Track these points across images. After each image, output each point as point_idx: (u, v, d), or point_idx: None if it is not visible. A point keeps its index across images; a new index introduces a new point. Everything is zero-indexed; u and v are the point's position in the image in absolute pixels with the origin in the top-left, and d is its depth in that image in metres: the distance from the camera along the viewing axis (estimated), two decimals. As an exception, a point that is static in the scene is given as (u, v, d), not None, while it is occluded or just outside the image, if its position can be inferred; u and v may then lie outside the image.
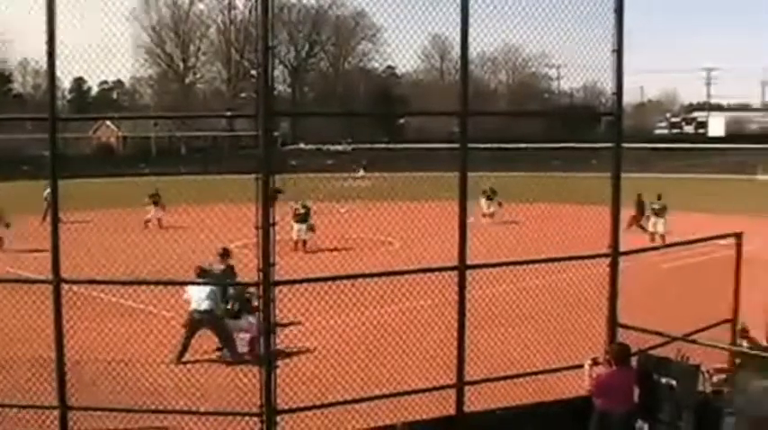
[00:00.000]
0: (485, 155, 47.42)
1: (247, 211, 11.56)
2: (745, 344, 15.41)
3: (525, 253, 15.35)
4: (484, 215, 44.31)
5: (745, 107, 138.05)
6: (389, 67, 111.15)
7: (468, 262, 12.37)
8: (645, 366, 12.89)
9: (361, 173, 75.11)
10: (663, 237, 36.26)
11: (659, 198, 39.08)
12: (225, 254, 20.48)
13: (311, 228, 35.74)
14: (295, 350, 18.03)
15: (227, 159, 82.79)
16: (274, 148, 11.65)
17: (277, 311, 11.55)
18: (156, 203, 45.53)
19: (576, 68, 13.43)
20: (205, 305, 18.16)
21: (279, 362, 11.39)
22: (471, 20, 11.81)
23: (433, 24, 12.41)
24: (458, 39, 11.91)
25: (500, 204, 46.00)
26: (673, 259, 18.32)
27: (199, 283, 18.27)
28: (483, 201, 45.54)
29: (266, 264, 11.14)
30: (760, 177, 78.17)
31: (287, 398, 11.73)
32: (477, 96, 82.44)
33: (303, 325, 19.34)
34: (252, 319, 17.53)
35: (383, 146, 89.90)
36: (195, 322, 18.27)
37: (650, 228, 38.32)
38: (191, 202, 45.19)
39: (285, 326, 18.43)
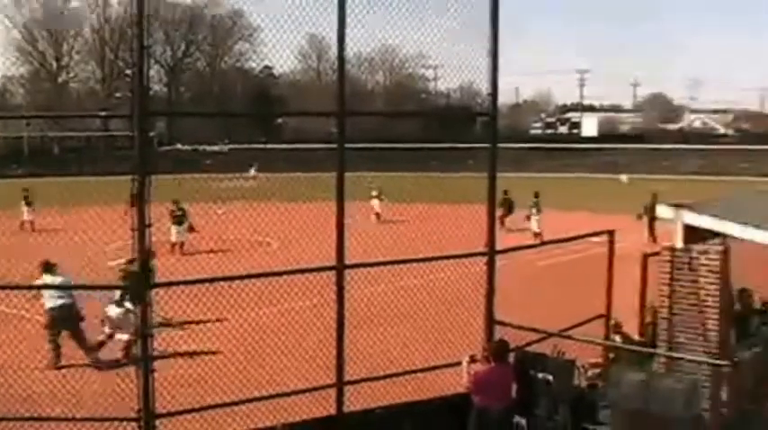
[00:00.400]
0: (363, 155, 47.65)
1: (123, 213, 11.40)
2: (618, 338, 15.79)
3: (407, 252, 15.39)
4: (376, 214, 46.00)
5: (616, 108, 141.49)
6: (267, 67, 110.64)
7: (348, 261, 12.39)
8: (522, 362, 13.09)
9: (253, 172, 74.88)
10: (539, 235, 36.95)
11: (536, 196, 39.82)
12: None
13: (191, 229, 35.20)
14: (173, 353, 17.81)
15: (102, 160, 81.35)
16: (150, 149, 11.47)
17: (154, 314, 11.39)
18: (29, 204, 44.60)
19: (453, 69, 13.56)
20: (60, 301, 17.84)
21: (157, 365, 11.20)
22: (348, 20, 11.83)
23: (310, 24, 12.40)
24: (335, 39, 11.92)
25: (381, 201, 47.20)
26: (548, 257, 18.66)
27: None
28: (375, 201, 47.06)
29: (143, 266, 10.98)
30: (622, 177, 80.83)
31: (165, 401, 11.58)
32: (355, 97, 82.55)
33: (182, 327, 19.17)
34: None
35: (261, 146, 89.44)
36: (54, 320, 17.92)
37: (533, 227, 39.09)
38: (65, 204, 44.30)
39: (164, 327, 18.29)
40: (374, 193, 47.47)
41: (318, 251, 13.66)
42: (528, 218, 39.76)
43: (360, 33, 12.26)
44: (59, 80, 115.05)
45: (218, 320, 18.74)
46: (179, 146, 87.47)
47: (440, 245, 16.39)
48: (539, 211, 39.55)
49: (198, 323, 19.20)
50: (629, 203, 42.70)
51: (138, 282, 11.11)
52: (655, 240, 32.76)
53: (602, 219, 25.76)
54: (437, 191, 45.48)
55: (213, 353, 16.66)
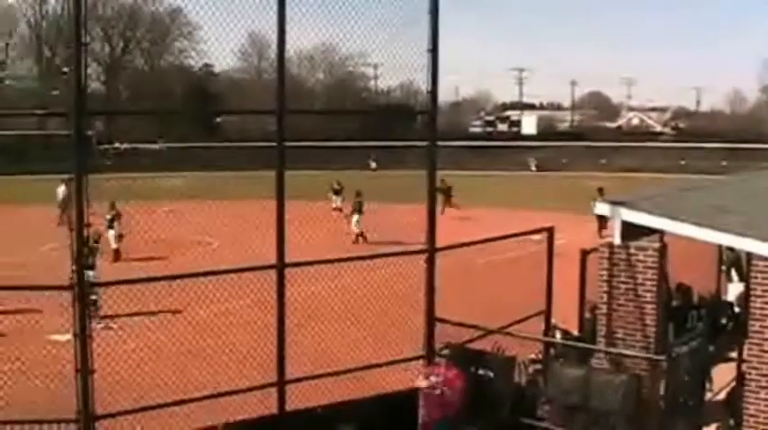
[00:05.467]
0: (302, 153, 47.65)
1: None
2: (558, 334, 15.92)
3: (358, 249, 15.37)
4: (334, 209, 46.80)
5: (555, 106, 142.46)
6: (206, 65, 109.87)
7: (291, 259, 12.39)
8: (462, 359, 13.15)
9: (373, 165, 79.24)
10: (360, 235, 37.81)
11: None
12: None
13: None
14: (112, 354, 17.62)
15: (38, 159, 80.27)
16: (88, 148, 11.35)
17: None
18: None
19: (393, 68, 13.58)
20: None
21: (96, 366, 11.10)
22: (288, 18, 11.81)
23: (250, 22, 12.36)
24: (275, 37, 11.89)
25: (343, 199, 47.58)
26: (489, 254, 18.73)
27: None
28: (333, 196, 48.11)
29: (80, 266, 10.87)
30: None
31: (105, 403, 11.48)
32: (295, 95, 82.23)
33: (120, 328, 19.03)
34: None
35: (200, 145, 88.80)
36: None
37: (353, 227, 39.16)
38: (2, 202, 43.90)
39: (102, 329, 18.13)
40: (335, 187, 48.42)
41: (262, 249, 13.58)
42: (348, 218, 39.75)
43: (300, 31, 12.26)
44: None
45: (152, 314, 18.57)
46: (117, 144, 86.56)
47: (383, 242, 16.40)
48: (360, 212, 39.63)
49: (141, 332, 19.05)
50: (568, 201, 43.11)
51: (78, 283, 10.99)
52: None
53: (542, 216, 25.99)
54: (376, 188, 45.81)
55: (153, 353, 16.51)
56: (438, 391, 12.37)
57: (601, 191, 39.47)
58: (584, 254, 15.70)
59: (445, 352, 12.99)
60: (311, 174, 46.97)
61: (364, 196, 41.66)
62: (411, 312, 14.34)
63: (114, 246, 33.83)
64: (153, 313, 17.50)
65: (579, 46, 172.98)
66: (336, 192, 48.40)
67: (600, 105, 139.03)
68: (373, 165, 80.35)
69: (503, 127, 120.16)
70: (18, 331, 19.41)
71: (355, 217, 38.71)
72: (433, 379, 12.39)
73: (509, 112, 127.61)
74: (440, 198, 40.85)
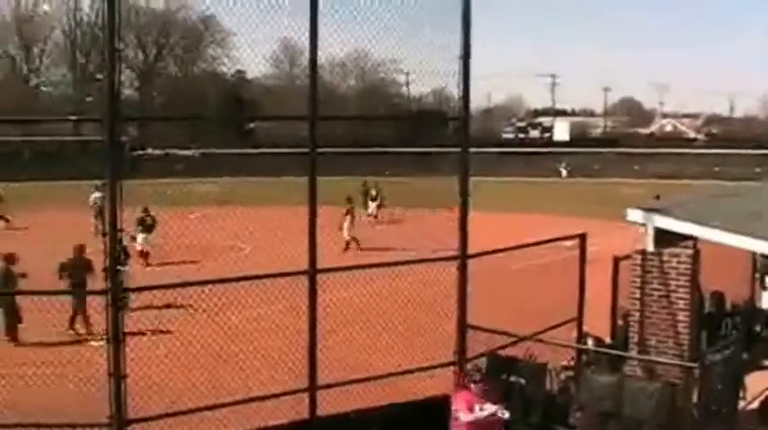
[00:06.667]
0: (336, 159, 47.86)
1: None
2: (590, 341, 15.85)
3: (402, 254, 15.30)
4: (369, 216, 47.47)
5: (588, 113, 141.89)
6: (239, 71, 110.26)
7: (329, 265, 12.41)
8: (494, 366, 13.13)
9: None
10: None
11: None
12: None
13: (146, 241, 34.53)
14: (144, 358, 17.72)
15: (73, 164, 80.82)
16: (121, 154, 11.43)
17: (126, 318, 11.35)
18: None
19: (425, 74, 13.58)
20: None
21: (128, 371, 11.16)
22: (320, 25, 11.84)
23: (282, 29, 12.40)
24: (307, 44, 11.92)
25: (380, 206, 48.83)
26: (520, 260, 18.69)
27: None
28: (369, 203, 48.56)
29: (114, 270, 10.94)
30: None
31: (137, 407, 11.53)
32: (327, 101, 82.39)
33: (153, 332, 19.14)
34: None
35: (232, 151, 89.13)
36: None
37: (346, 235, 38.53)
38: (35, 208, 44.25)
39: (134, 334, 18.20)
40: (372, 193, 48.88)
41: (293, 254, 13.60)
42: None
43: (332, 38, 12.28)
44: (30, 84, 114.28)
45: (183, 319, 18.66)
46: (150, 150, 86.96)
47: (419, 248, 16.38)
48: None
49: (173, 337, 19.14)
50: (600, 208, 42.91)
51: (111, 288, 11.06)
52: None
53: (574, 222, 25.87)
54: (414, 195, 45.92)
55: (186, 358, 16.56)
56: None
57: (657, 198, 39.32)
58: (617, 260, 15.63)
59: (477, 375, 12.76)
60: (344, 179, 47.14)
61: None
62: (440, 318, 14.31)
63: (146, 249, 33.97)
64: (185, 318, 17.55)
65: (611, 51, 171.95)
66: (372, 199, 48.60)
67: (632, 111, 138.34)
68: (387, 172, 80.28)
69: (535, 133, 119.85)
70: (52, 335, 19.55)
71: (346, 223, 38.30)
72: (478, 412, 12.24)
73: (541, 119, 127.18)
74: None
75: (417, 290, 15.87)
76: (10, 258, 21.23)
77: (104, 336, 11.30)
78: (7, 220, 43.79)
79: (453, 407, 12.12)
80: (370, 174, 67.59)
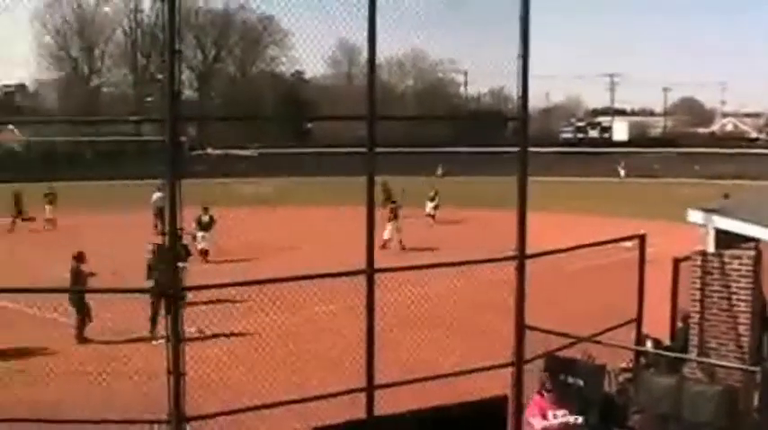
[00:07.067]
0: (394, 159, 48.00)
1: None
2: (649, 343, 15.71)
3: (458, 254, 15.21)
4: (427, 215, 47.46)
5: (648, 112, 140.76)
6: (297, 71, 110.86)
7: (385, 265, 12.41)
8: (552, 367, 13.06)
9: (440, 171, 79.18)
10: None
11: (393, 202, 39.47)
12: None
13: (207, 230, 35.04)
14: (204, 357, 17.88)
15: (134, 164, 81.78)
16: (181, 153, 11.51)
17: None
18: (51, 203, 45.62)
19: (483, 74, 13.53)
20: None
21: (187, 369, 11.25)
22: (378, 25, 11.84)
23: (340, 29, 12.42)
24: (365, 43, 11.92)
25: (437, 207, 48.50)
26: (577, 261, 18.59)
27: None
28: (427, 202, 48.41)
29: (174, 270, 11.04)
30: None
31: (195, 405, 11.62)
32: (385, 101, 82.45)
33: (211, 331, 19.27)
34: None
35: (290, 150, 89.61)
36: None
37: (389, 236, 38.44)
38: (96, 208, 44.90)
39: (194, 332, 18.38)
40: (430, 194, 48.71)
41: (350, 254, 13.61)
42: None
43: (390, 37, 12.28)
44: (91, 85, 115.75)
45: (241, 317, 18.78)
46: (209, 150, 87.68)
47: (477, 248, 16.30)
48: (396, 218, 38.75)
49: (231, 336, 19.27)
50: (659, 208, 42.57)
51: (171, 285, 11.16)
52: None
53: (633, 223, 25.67)
54: (472, 195, 45.98)
55: (244, 356, 16.69)
56: None
57: (726, 196, 38.86)
58: (677, 262, 15.48)
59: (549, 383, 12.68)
60: (401, 179, 47.26)
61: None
62: (496, 318, 14.27)
63: (205, 247, 34.24)
64: (243, 316, 17.67)
65: (671, 50, 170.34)
66: (430, 199, 48.51)
67: (693, 111, 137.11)
68: (440, 171, 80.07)
69: (594, 133, 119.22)
70: (115, 332, 19.80)
71: (390, 223, 38.14)
72: (551, 419, 12.17)
73: (600, 118, 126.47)
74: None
75: (473, 290, 15.86)
76: (80, 257, 21.49)
77: (164, 335, 11.38)
78: (32, 220, 44.36)
79: (526, 414, 12.09)
80: (428, 175, 67.93)
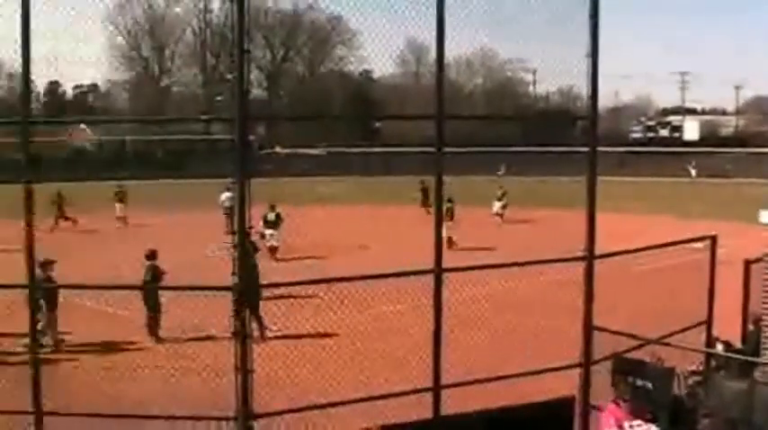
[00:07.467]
0: (462, 158, 47.97)
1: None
2: (719, 346, 15.51)
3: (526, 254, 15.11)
4: (494, 215, 47.34)
5: (719, 111, 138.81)
6: (365, 70, 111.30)
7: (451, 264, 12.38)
8: (620, 369, 12.94)
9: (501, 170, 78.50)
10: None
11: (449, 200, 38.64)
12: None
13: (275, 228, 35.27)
14: (271, 353, 17.99)
15: (202, 163, 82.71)
16: (250, 152, 11.60)
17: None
18: (121, 201, 46.28)
19: (552, 73, 13.43)
20: None
21: (254, 366, 11.33)
22: (447, 23, 11.82)
23: (409, 28, 12.41)
24: (434, 42, 11.91)
25: (505, 206, 48.25)
26: (644, 262, 18.40)
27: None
28: (495, 202, 48.28)
29: (242, 268, 11.12)
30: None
31: (263, 402, 11.70)
32: (453, 100, 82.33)
33: (279, 328, 19.40)
34: None
35: (359, 150, 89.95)
36: None
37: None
38: (166, 206, 45.44)
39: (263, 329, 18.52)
40: (498, 194, 48.54)
41: (417, 253, 13.60)
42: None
43: (459, 36, 12.25)
44: (161, 84, 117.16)
45: (309, 316, 18.87)
46: (278, 149, 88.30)
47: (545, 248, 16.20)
48: (452, 218, 37.69)
49: (299, 333, 19.36)
50: (731, 208, 42.05)
51: (240, 283, 11.24)
52: None
53: (704, 224, 25.35)
54: (542, 195, 45.80)
55: (310, 354, 16.76)
56: None
57: None
58: (748, 263, 15.26)
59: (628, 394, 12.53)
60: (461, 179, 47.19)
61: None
62: (562, 319, 14.17)
63: (274, 245, 34.40)
64: (310, 314, 17.75)
65: (743, 49, 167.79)
66: (498, 199, 48.29)
67: (765, 109, 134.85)
68: (501, 170, 79.58)
69: (664, 132, 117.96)
70: (183, 329, 19.99)
71: (447, 222, 37.89)
72: (627, 429, 12.05)
73: (671, 118, 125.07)
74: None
75: (537, 290, 15.78)
76: (153, 255, 21.71)
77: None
78: (74, 220, 44.85)
79: (600, 423, 11.99)
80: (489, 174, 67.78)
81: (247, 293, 18.96)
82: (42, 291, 18.67)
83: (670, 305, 15.40)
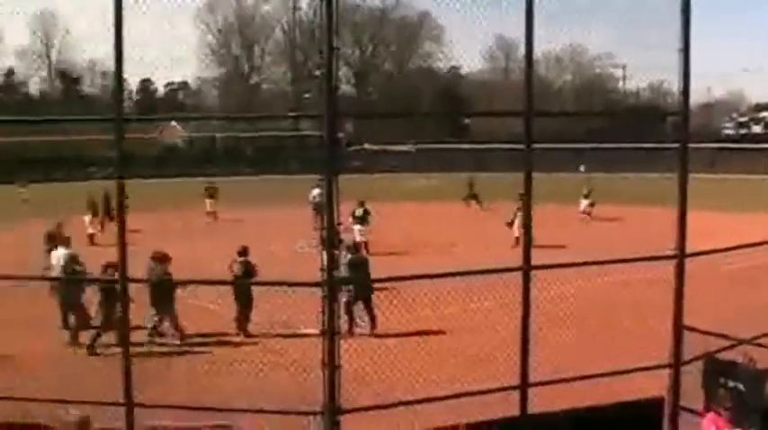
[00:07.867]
0: (550, 155, 47.56)
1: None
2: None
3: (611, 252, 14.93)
4: (582, 212, 47.08)
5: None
6: (453, 67, 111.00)
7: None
8: (711, 370, 12.75)
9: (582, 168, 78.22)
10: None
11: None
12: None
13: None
14: (358, 349, 18.06)
15: (292, 160, 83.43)
16: (339, 149, 11.66)
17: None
18: (212, 196, 46.87)
19: (642, 68, 13.30)
20: None
21: (341, 362, 11.39)
22: (536, 19, 11.75)
23: (497, 24, 12.37)
24: (522, 38, 11.84)
25: (593, 204, 47.79)
26: (734, 262, 18.12)
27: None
28: (582, 200, 48.05)
29: (330, 264, 11.19)
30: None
31: (350, 397, 11.75)
32: (543, 96, 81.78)
33: (366, 325, 19.50)
34: None
35: (447, 146, 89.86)
36: None
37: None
38: (256, 202, 45.88)
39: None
40: (584, 192, 48.30)
41: (502, 251, 13.56)
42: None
43: (547, 32, 12.17)
44: (251, 82, 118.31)
45: (395, 312, 18.90)
46: (366, 145, 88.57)
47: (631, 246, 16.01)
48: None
49: (386, 329, 19.43)
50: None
51: (327, 279, 11.31)
52: None
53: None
54: (627, 191, 45.23)
55: (397, 350, 16.78)
56: None
57: None
58: None
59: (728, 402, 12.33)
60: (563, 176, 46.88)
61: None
62: (650, 318, 13.99)
63: (362, 240, 34.43)
64: (398, 310, 17.76)
65: None
66: (585, 196, 47.92)
67: None
68: (582, 168, 78.44)
69: (757, 128, 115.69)
70: (272, 324, 20.16)
71: (517, 219, 37.56)
72: None
73: (764, 113, 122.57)
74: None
75: (627, 289, 15.60)
76: (245, 251, 21.82)
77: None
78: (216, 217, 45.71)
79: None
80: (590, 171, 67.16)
81: (360, 287, 19.26)
82: (158, 286, 19.37)
83: (761, 304, 15.14)
